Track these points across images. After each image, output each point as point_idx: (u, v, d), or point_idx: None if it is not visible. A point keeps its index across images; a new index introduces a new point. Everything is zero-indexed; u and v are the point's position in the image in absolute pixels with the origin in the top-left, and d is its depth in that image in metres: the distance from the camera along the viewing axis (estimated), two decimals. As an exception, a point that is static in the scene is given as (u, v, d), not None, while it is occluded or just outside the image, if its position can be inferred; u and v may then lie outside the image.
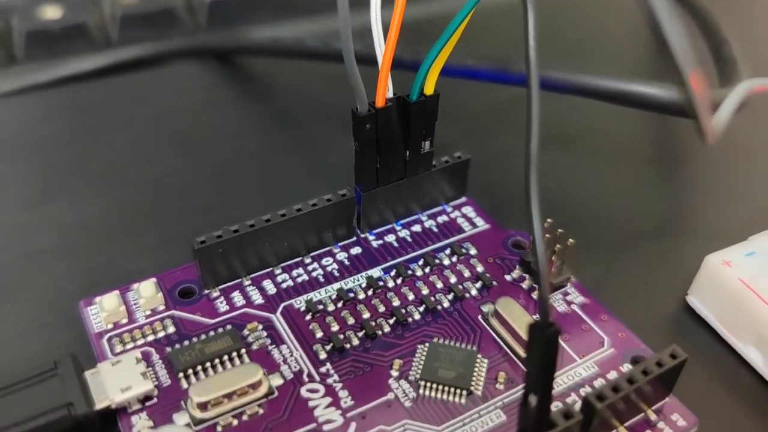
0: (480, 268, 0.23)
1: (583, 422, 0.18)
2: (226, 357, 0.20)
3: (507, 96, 0.27)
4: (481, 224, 0.24)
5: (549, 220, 0.22)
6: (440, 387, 0.20)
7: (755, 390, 0.21)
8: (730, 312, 0.21)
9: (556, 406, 0.19)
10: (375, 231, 0.24)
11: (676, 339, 0.21)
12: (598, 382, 0.20)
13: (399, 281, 0.22)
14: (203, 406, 0.19)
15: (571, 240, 0.22)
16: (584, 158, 0.29)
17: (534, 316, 0.21)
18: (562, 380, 0.20)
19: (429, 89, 0.22)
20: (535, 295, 0.22)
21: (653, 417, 0.19)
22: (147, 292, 0.21)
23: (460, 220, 0.24)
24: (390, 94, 0.22)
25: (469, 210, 0.24)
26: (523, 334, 0.20)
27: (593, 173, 0.28)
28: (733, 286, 0.21)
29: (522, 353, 0.20)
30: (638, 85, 0.24)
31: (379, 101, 0.21)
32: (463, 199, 0.25)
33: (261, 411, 0.19)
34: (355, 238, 0.23)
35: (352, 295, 0.22)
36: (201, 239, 0.21)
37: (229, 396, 0.19)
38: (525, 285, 0.22)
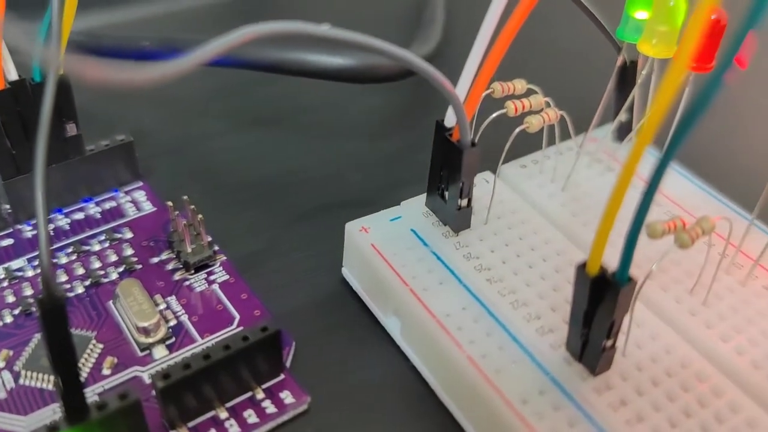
0: (129, 252, 0.22)
1: (162, 403, 0.18)
2: None
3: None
4: (148, 208, 0.23)
5: (185, 197, 0.21)
6: (42, 375, 0.19)
7: (394, 364, 0.19)
8: (370, 281, 0.21)
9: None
10: (33, 221, 0.23)
11: (328, 314, 0.21)
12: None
13: (39, 271, 0.21)
14: None
15: (200, 216, 0.21)
16: (281, 135, 0.28)
17: (156, 297, 0.20)
18: (175, 362, 0.19)
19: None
20: (177, 275, 0.21)
21: (260, 395, 0.19)
22: None
23: (127, 205, 0.23)
24: (14, 76, 0.21)
25: (141, 194, 0.23)
26: (135, 316, 0.20)
27: (286, 150, 0.27)
28: (367, 253, 0.20)
29: (136, 335, 0.19)
30: (316, 55, 0.24)
31: (-5, 84, 0.21)
32: (139, 183, 0.24)
33: None
34: (11, 229, 0.22)
35: (-16, 287, 0.21)
36: None
37: None
38: (170, 266, 0.21)
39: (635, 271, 0.20)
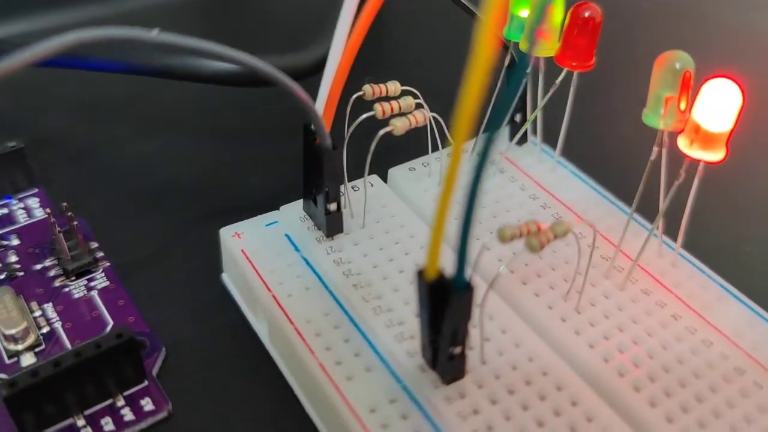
0: (13, 259, 0.22)
1: (10, 412, 0.17)
2: None
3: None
4: (40, 215, 0.23)
5: (64, 203, 0.21)
6: None
7: (263, 371, 0.19)
8: (242, 287, 0.20)
9: None
10: None
11: (204, 321, 0.21)
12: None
13: None
14: None
15: (76, 222, 0.21)
16: (188, 141, 0.27)
17: (32, 304, 0.20)
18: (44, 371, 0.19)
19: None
20: (58, 282, 0.21)
21: (120, 403, 0.18)
22: None
23: (19, 212, 0.23)
24: None
25: (35, 201, 0.23)
26: (2, 324, 0.19)
27: (189, 156, 0.27)
28: (238, 258, 0.20)
29: (4, 343, 0.19)
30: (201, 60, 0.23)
31: None
32: (35, 190, 0.24)
33: None
34: None
35: None
36: None
37: None
38: (52, 273, 0.21)
39: (508, 276, 0.19)
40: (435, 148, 0.21)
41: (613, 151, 0.26)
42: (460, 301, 0.16)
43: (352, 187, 0.21)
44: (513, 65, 0.22)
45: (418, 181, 0.22)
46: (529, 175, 0.22)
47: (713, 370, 0.18)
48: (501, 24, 0.17)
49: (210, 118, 0.28)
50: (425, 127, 0.21)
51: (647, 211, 0.21)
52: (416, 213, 0.21)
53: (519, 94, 0.22)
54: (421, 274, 0.16)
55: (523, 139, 0.23)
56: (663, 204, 0.19)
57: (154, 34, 0.15)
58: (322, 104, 0.18)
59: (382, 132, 0.19)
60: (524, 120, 0.22)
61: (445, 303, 0.16)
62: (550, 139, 0.23)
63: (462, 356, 0.17)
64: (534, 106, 0.22)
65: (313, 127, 0.19)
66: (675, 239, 0.20)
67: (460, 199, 0.14)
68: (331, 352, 0.18)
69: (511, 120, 0.23)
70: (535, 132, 0.23)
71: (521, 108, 0.22)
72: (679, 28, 0.35)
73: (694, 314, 0.19)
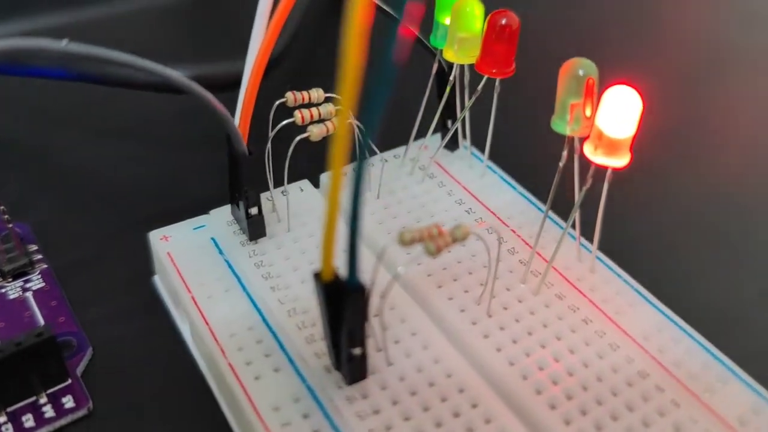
0: (-43, 260, 0.22)
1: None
2: None
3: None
4: (-13, 217, 0.24)
5: (2, 207, 0.22)
6: None
7: (185, 371, 0.20)
8: (169, 289, 0.21)
9: None
10: None
11: (134, 322, 0.21)
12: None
13: None
14: None
15: (10, 225, 0.21)
16: (138, 147, 0.28)
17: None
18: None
19: None
20: (-4, 283, 0.22)
21: (43, 400, 0.19)
22: None
23: (-32, 214, 0.24)
24: None
25: (-17, 204, 0.24)
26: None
27: (135, 162, 0.27)
28: (164, 261, 0.20)
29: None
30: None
31: None
32: (-16, 193, 0.25)
33: None
34: None
35: None
36: None
37: None
38: None
39: (424, 279, 0.20)
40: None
41: (539, 157, 0.26)
42: (354, 302, 0.16)
43: (282, 192, 0.22)
44: (441, 72, 0.22)
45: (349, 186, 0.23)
46: (458, 181, 0.23)
47: (617, 373, 0.18)
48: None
49: (154, 126, 0.29)
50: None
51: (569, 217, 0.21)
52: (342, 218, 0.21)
53: (445, 96, 0.22)
54: (318, 275, 0.16)
55: (455, 145, 0.23)
56: (575, 208, 0.19)
57: (63, 45, 0.16)
58: (239, 112, 0.19)
59: (298, 138, 0.19)
60: (454, 125, 0.23)
61: (339, 304, 0.16)
62: (482, 144, 0.24)
63: (363, 357, 0.17)
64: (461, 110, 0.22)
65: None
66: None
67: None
68: (242, 353, 0.18)
69: (443, 126, 0.23)
70: (465, 137, 0.23)
71: (451, 114, 0.23)
72: (587, 35, 0.35)
73: (606, 318, 0.19)
